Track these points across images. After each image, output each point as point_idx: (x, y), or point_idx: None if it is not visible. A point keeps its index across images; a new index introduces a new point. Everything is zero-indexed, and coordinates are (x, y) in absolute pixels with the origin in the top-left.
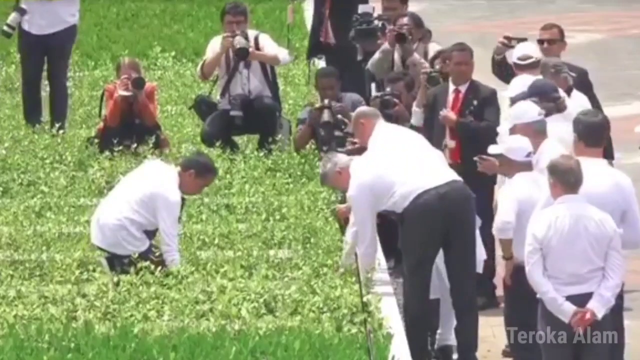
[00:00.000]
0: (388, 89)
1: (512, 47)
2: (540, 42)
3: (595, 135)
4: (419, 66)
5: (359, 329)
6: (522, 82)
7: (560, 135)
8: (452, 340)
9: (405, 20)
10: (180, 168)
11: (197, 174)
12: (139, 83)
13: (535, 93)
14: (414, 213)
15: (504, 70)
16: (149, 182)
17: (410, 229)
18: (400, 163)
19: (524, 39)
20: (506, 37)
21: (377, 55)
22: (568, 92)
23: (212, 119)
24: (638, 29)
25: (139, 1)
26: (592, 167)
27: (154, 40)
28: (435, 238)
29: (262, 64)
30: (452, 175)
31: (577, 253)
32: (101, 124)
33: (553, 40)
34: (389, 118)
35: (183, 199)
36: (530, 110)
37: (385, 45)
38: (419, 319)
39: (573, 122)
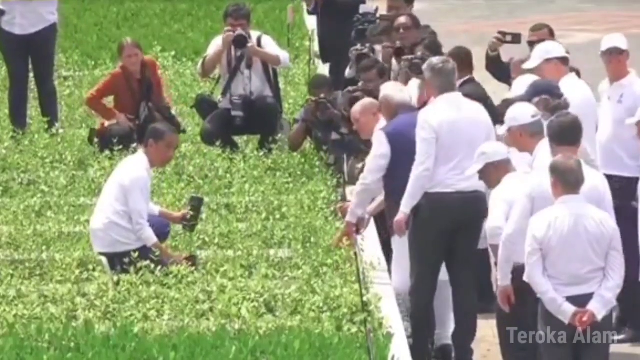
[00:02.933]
0: (361, 75)
1: (507, 42)
2: (530, 43)
3: (564, 134)
4: None
5: (359, 329)
6: (527, 82)
7: None
8: (450, 339)
9: (403, 19)
10: (142, 148)
11: (155, 140)
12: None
13: (543, 91)
14: (430, 211)
15: (499, 67)
16: (119, 174)
17: (422, 226)
18: (453, 144)
19: (518, 34)
20: (501, 32)
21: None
22: None
23: (213, 117)
24: (638, 28)
25: (139, 1)
26: None
27: (154, 39)
28: (444, 240)
29: (264, 65)
30: (478, 184)
31: (577, 253)
32: (102, 122)
33: (543, 41)
34: None
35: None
36: (525, 112)
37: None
38: (423, 319)
39: (547, 126)
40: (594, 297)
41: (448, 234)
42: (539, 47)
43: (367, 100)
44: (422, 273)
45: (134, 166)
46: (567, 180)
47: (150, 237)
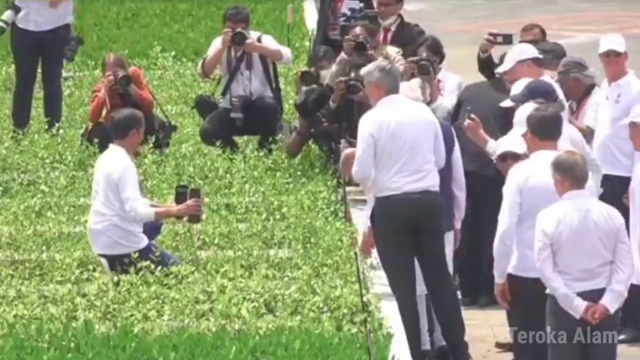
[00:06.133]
0: (352, 75)
1: (499, 43)
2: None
3: (547, 127)
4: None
5: (359, 329)
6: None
7: (566, 134)
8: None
9: (358, 30)
10: (117, 140)
11: (137, 128)
12: (125, 82)
13: (539, 94)
14: (381, 214)
15: (490, 68)
16: (103, 171)
17: (379, 231)
18: (395, 148)
19: (509, 35)
20: (491, 34)
21: (334, 67)
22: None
23: (212, 117)
24: (638, 28)
25: (139, 1)
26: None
27: (154, 40)
28: (404, 242)
29: (264, 65)
30: (429, 183)
31: (587, 248)
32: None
33: (535, 41)
34: (351, 102)
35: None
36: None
37: (342, 56)
38: (411, 321)
39: (526, 119)
40: (606, 292)
41: (408, 235)
42: (511, 50)
43: (344, 155)
44: (395, 275)
45: (117, 159)
46: (574, 175)
47: (147, 213)
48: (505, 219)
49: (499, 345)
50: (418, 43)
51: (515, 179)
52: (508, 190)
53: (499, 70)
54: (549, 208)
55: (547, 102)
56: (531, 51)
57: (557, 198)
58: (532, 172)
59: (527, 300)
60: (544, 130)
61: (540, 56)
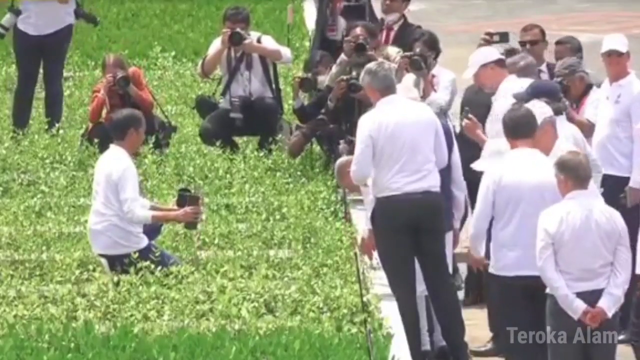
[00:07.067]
0: (354, 73)
1: (495, 42)
2: (522, 44)
3: (518, 126)
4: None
5: (359, 329)
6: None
7: (569, 133)
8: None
9: (358, 30)
10: (116, 141)
11: (135, 128)
12: (124, 83)
13: (543, 93)
14: (381, 214)
15: None
16: (104, 171)
17: (379, 232)
18: (395, 148)
19: (505, 34)
20: (488, 33)
21: (334, 68)
22: (587, 90)
23: (212, 117)
24: (638, 28)
25: (139, 1)
26: (532, 157)
27: (154, 40)
28: (405, 243)
29: (264, 66)
30: (430, 183)
31: (588, 248)
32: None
33: (535, 41)
34: (352, 101)
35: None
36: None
37: (342, 57)
38: (410, 322)
39: (502, 122)
40: (603, 295)
41: (408, 235)
42: (474, 54)
43: (338, 164)
44: (395, 275)
45: (117, 159)
46: (578, 175)
47: (144, 215)
48: (475, 221)
49: (474, 353)
50: (414, 38)
51: (488, 179)
52: (480, 192)
53: (464, 76)
54: (552, 207)
55: (552, 101)
56: (493, 54)
57: (529, 196)
58: (505, 173)
59: (508, 298)
60: (516, 130)
61: (503, 57)
